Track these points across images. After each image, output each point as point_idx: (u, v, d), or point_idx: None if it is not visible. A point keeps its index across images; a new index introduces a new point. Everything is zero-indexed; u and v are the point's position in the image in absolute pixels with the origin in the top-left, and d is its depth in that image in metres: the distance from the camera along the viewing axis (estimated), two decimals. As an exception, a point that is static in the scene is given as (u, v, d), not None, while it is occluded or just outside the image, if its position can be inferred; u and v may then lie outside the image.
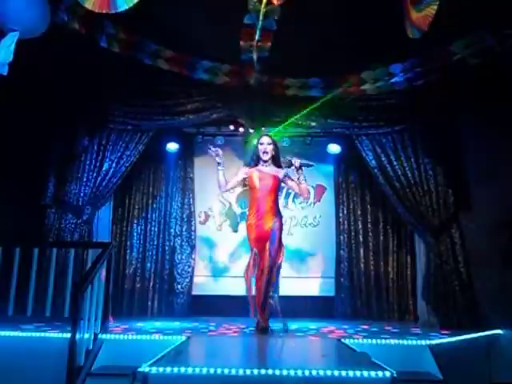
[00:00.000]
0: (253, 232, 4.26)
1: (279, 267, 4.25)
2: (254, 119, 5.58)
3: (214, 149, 4.25)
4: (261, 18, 3.83)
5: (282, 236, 4.32)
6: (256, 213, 4.25)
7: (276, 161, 4.37)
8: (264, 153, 4.29)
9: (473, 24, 4.21)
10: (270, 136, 4.41)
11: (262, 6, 3.70)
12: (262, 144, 4.32)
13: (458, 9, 3.71)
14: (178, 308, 6.04)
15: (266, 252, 4.11)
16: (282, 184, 4.46)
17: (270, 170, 4.35)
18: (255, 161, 4.37)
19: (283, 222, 4.45)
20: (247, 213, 4.48)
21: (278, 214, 4.29)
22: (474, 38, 4.43)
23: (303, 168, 4.25)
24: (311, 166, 4.40)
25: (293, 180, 4.35)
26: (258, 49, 4.30)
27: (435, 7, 3.43)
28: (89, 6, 3.47)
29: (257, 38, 4.10)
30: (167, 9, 4.11)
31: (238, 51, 4.48)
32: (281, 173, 4.35)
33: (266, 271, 4.07)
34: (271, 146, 4.32)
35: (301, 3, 3.70)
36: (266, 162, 4.33)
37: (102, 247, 3.89)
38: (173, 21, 4.23)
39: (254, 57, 4.43)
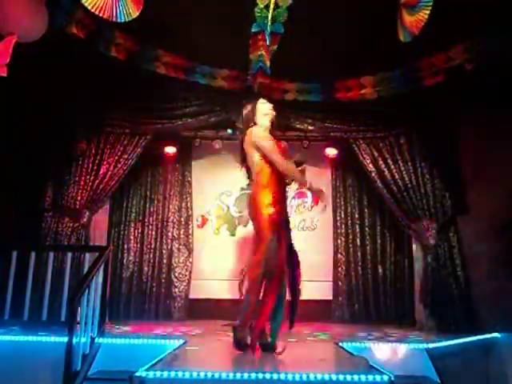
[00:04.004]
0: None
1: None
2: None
3: None
4: (269, 23, 3.83)
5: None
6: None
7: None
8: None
9: (470, 29, 4.24)
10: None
11: (270, 10, 3.71)
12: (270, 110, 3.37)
13: (456, 15, 3.73)
14: (176, 312, 6.02)
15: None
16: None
17: None
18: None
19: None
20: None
21: None
22: (471, 43, 4.47)
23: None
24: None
25: None
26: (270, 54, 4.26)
27: (427, 11, 3.46)
28: (88, 5, 3.49)
29: (268, 43, 4.07)
30: (165, 13, 4.13)
31: (237, 56, 4.49)
32: None
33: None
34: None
35: (300, 8, 3.72)
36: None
37: (99, 251, 3.88)
38: (171, 25, 4.25)
39: (267, 63, 4.35)
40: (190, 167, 6.55)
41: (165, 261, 6.23)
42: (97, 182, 5.55)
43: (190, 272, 6.21)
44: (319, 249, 6.40)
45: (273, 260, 2.99)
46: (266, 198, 3.12)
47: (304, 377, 2.22)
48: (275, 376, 2.24)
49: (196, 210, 6.48)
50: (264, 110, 3.36)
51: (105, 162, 5.60)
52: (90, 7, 3.48)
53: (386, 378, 2.25)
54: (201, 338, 4.28)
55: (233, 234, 6.48)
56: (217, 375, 2.25)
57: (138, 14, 3.58)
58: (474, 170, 5.47)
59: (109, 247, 4.11)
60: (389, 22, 3.81)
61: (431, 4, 3.43)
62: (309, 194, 6.58)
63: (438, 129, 5.58)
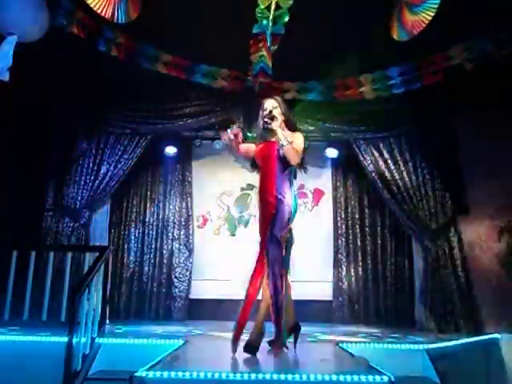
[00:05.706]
0: None
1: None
2: (252, 123, 5.59)
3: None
4: (270, 24, 3.83)
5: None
6: None
7: (290, 126, 3.26)
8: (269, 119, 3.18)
9: (470, 29, 4.24)
10: (275, 98, 3.29)
11: (272, 11, 3.72)
12: (265, 110, 3.20)
13: (456, 13, 3.74)
14: (176, 312, 6.03)
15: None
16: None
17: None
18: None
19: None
20: None
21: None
22: (471, 42, 4.47)
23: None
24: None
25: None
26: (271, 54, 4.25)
27: (432, 14, 3.45)
28: (91, 3, 3.52)
29: (268, 44, 4.07)
30: (166, 13, 4.13)
31: (237, 56, 4.50)
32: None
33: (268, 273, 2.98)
34: (278, 110, 3.22)
35: (299, 8, 3.73)
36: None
37: (99, 250, 3.88)
38: (171, 25, 4.25)
39: (270, 63, 4.34)
40: (191, 167, 6.55)
41: (165, 261, 6.23)
42: (97, 181, 5.56)
43: (191, 272, 6.21)
44: (319, 249, 6.40)
45: None
46: None
47: (304, 377, 2.22)
48: (275, 376, 2.23)
49: (196, 210, 6.48)
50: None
51: (105, 162, 5.61)
52: (92, 5, 3.50)
53: (385, 378, 2.25)
54: (201, 338, 4.27)
55: (233, 234, 6.48)
56: (217, 375, 2.25)
57: (136, 16, 3.64)
58: (474, 171, 5.47)
59: (109, 247, 4.11)
60: (387, 21, 3.82)
61: (436, 6, 3.42)
62: (309, 194, 6.58)
63: (438, 129, 5.59)
